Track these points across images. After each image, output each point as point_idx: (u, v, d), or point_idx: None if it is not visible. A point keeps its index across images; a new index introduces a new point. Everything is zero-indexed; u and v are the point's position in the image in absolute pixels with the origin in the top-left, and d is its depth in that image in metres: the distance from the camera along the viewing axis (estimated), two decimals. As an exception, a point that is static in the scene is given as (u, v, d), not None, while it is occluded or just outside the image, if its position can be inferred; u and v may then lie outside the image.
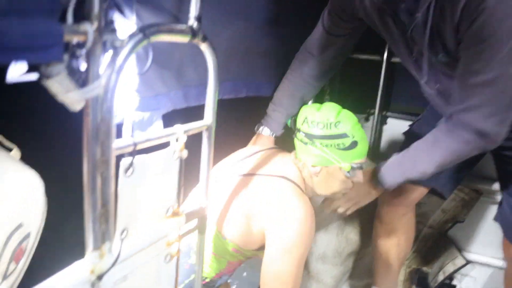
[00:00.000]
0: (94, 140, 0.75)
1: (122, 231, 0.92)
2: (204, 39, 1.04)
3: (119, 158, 0.86)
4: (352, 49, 1.83)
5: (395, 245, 1.82)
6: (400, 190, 1.63)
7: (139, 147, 0.92)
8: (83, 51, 0.69)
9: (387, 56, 2.12)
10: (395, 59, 2.11)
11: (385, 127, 2.31)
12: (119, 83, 0.76)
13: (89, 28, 0.68)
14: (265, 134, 1.73)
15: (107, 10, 0.72)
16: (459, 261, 2.25)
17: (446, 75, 1.35)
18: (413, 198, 1.72)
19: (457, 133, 1.30)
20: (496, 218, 1.77)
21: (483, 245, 2.23)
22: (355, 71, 2.25)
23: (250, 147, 1.67)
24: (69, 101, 0.69)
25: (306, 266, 1.97)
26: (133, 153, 0.90)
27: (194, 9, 1.01)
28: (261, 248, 1.35)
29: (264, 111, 1.77)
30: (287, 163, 1.44)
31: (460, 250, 2.26)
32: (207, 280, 1.42)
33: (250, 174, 1.40)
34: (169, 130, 1.04)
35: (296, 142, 1.43)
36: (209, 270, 1.41)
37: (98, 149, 0.77)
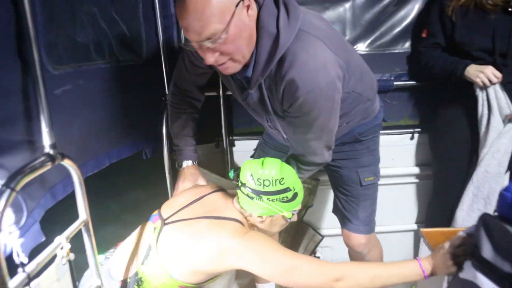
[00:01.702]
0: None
1: None
2: (63, 157, 1.14)
3: None
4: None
5: None
6: None
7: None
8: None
9: (223, 90, 2.30)
10: (230, 93, 2.28)
11: (234, 149, 2.52)
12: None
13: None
14: (188, 165, 1.80)
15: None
16: (317, 238, 2.61)
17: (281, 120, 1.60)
18: None
19: (304, 171, 1.66)
20: (334, 211, 2.07)
21: (331, 220, 2.63)
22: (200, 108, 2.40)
23: (188, 188, 1.71)
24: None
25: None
26: (29, 283, 0.99)
27: (47, 139, 1.09)
28: (213, 277, 1.46)
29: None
30: (231, 208, 1.49)
31: (315, 229, 2.62)
32: None
33: (196, 218, 1.43)
34: (53, 244, 1.13)
35: (241, 194, 1.46)
36: None
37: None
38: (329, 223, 2.68)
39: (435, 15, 2.11)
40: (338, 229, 2.58)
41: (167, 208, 1.52)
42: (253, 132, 2.41)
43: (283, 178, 1.40)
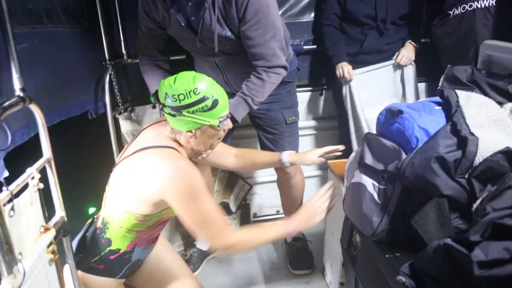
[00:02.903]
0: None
1: (18, 255, 1.20)
2: (31, 101, 1.32)
3: None
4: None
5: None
6: None
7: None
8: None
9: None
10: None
11: None
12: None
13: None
14: None
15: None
16: (246, 187, 2.93)
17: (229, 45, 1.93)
18: None
19: (272, 75, 1.92)
20: (262, 149, 2.37)
21: (258, 171, 2.95)
22: (136, 73, 2.49)
23: None
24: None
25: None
26: (11, 200, 1.18)
27: (18, 84, 1.27)
28: (165, 209, 1.48)
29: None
30: (162, 135, 1.51)
31: (244, 179, 2.93)
32: (121, 251, 1.53)
33: (133, 153, 1.48)
34: (26, 174, 1.31)
35: (166, 116, 1.45)
36: (121, 242, 1.52)
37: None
38: (257, 173, 2.98)
39: None
40: (264, 177, 2.92)
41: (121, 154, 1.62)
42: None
43: (196, 88, 1.38)
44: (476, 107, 1.23)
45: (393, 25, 2.46)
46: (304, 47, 2.70)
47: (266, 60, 1.89)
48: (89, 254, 1.55)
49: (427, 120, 1.28)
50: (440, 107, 1.34)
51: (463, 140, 1.11)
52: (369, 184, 1.37)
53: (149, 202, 1.43)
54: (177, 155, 1.44)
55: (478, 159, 1.08)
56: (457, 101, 1.27)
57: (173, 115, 1.42)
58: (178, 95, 1.38)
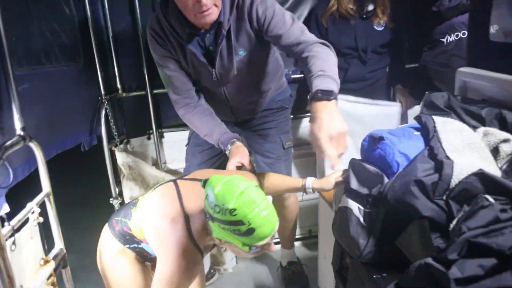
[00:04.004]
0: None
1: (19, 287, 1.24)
2: (31, 139, 1.37)
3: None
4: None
5: None
6: None
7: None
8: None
9: (150, 89, 2.56)
10: (157, 91, 2.56)
11: (163, 140, 2.77)
12: None
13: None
14: (232, 145, 1.84)
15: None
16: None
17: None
18: None
19: (325, 48, 1.68)
20: None
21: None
22: (131, 106, 2.65)
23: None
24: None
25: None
26: (13, 234, 1.22)
27: (18, 123, 1.33)
28: None
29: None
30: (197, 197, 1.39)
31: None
32: (132, 233, 1.48)
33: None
34: (26, 209, 1.35)
35: None
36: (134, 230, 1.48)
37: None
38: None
39: (313, 24, 2.55)
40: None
41: None
42: (179, 124, 2.64)
43: (235, 209, 1.17)
44: (451, 132, 1.29)
45: (375, 54, 2.55)
46: (292, 76, 2.78)
47: (306, 40, 1.72)
48: (118, 213, 1.55)
49: (407, 145, 1.33)
50: (419, 133, 1.40)
51: (440, 163, 1.16)
52: (355, 208, 1.41)
53: None
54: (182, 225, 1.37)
55: (454, 181, 1.12)
56: (434, 127, 1.33)
57: (206, 217, 1.28)
58: (215, 206, 1.21)
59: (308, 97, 1.44)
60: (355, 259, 1.37)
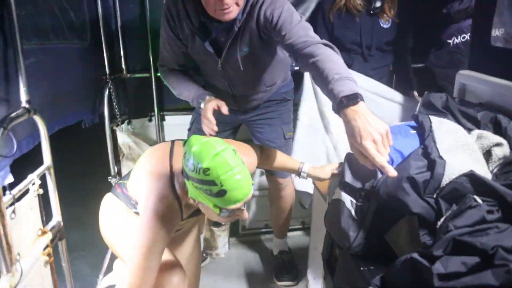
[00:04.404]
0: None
1: (17, 255, 1.26)
2: (35, 112, 1.39)
3: None
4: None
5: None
6: None
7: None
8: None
9: (154, 72, 2.57)
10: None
11: (164, 123, 2.78)
12: None
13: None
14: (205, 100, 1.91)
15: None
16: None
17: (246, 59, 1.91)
18: None
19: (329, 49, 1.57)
20: None
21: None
22: (135, 87, 2.67)
23: None
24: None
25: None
26: (13, 203, 1.25)
27: (24, 96, 1.34)
28: None
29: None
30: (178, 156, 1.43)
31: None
32: (130, 196, 1.54)
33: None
34: (27, 180, 1.38)
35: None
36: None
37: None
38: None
39: (320, 19, 2.55)
40: (254, 192, 2.96)
41: None
42: (180, 108, 2.69)
43: (208, 169, 1.18)
44: (446, 133, 1.31)
45: (379, 51, 2.56)
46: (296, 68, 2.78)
47: (309, 40, 1.66)
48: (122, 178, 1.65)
49: (402, 143, 1.36)
50: (415, 131, 1.42)
51: (432, 162, 1.19)
52: (348, 200, 1.44)
53: None
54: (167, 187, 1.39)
55: (445, 180, 1.15)
56: (430, 126, 1.36)
57: (183, 176, 1.31)
58: (190, 164, 1.22)
59: (332, 107, 1.36)
60: (344, 250, 1.40)
